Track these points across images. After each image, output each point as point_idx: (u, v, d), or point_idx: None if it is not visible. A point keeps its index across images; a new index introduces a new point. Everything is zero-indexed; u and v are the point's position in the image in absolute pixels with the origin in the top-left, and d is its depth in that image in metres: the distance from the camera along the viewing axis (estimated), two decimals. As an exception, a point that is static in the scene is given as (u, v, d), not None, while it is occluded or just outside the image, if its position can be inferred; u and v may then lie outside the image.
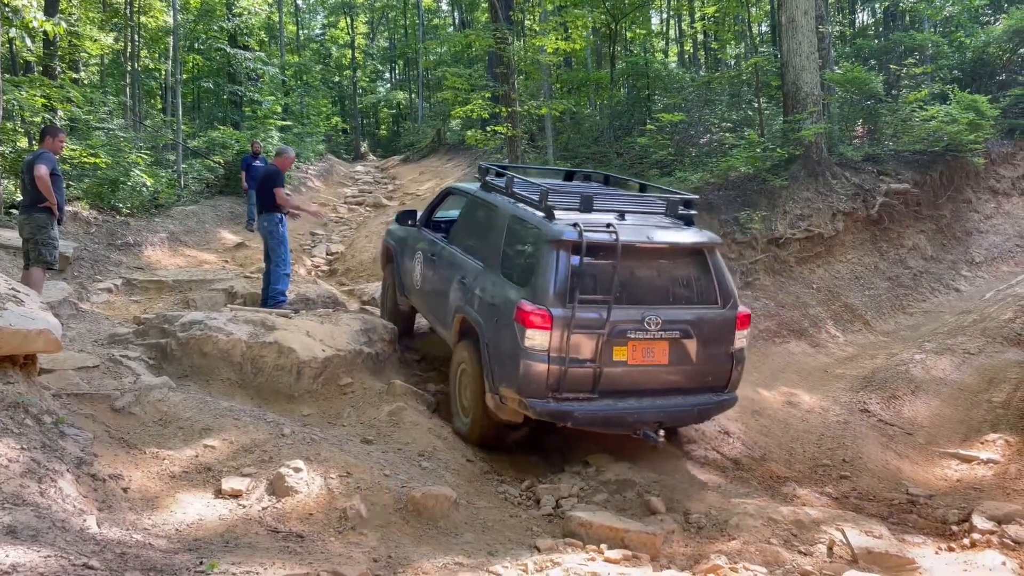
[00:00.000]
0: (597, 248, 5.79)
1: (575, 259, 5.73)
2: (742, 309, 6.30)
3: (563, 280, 5.70)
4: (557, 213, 6.04)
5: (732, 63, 26.00)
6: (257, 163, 15.27)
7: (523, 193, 6.59)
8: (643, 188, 7.59)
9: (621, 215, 6.26)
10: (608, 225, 5.93)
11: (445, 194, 8.58)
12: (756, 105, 15.88)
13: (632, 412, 5.91)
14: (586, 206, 6.14)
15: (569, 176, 8.70)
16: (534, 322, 5.61)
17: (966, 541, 5.24)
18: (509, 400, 5.90)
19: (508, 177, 6.90)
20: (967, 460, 7.56)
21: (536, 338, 5.62)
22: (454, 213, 8.09)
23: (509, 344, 5.81)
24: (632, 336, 5.82)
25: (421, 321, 9.09)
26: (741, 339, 6.27)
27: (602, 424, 6.00)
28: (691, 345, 6.02)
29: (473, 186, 7.87)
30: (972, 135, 13.87)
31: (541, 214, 6.12)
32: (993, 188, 15.43)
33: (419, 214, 8.68)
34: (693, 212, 6.62)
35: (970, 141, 13.91)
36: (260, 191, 9.51)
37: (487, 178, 7.44)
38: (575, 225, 5.80)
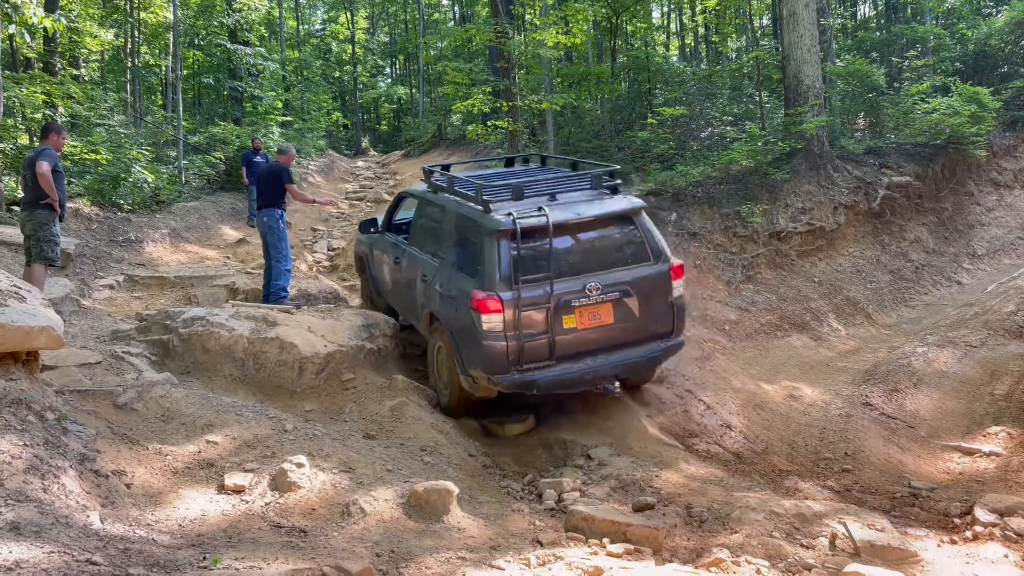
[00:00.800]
0: (532, 231, 6.35)
1: (514, 245, 6.29)
2: (675, 261, 6.90)
3: (507, 265, 6.27)
4: (493, 205, 6.56)
5: (733, 56, 25.96)
6: (258, 159, 15.24)
7: (463, 190, 7.15)
8: (575, 166, 8.01)
9: (552, 196, 6.82)
10: (539, 209, 6.48)
11: (400, 198, 9.14)
12: (757, 98, 15.84)
13: (589, 371, 6.48)
14: (517, 195, 6.71)
15: (510, 162, 9.08)
16: (488, 307, 6.18)
17: (968, 534, 5.24)
18: (479, 380, 6.46)
19: (448, 177, 7.55)
20: (969, 453, 7.56)
21: (492, 321, 6.19)
22: (411, 214, 8.48)
23: (470, 330, 6.35)
24: (577, 304, 6.38)
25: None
26: (678, 288, 6.88)
27: (564, 386, 6.54)
28: (632, 302, 6.59)
29: (423, 188, 8.33)
30: (974, 127, 13.83)
31: (480, 207, 6.62)
32: (995, 180, 15.39)
33: (380, 220, 9.06)
34: (618, 181, 7.18)
35: (972, 133, 13.87)
36: (262, 187, 9.52)
37: (432, 179, 7.94)
38: (509, 214, 6.36)
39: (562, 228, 6.48)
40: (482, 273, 6.34)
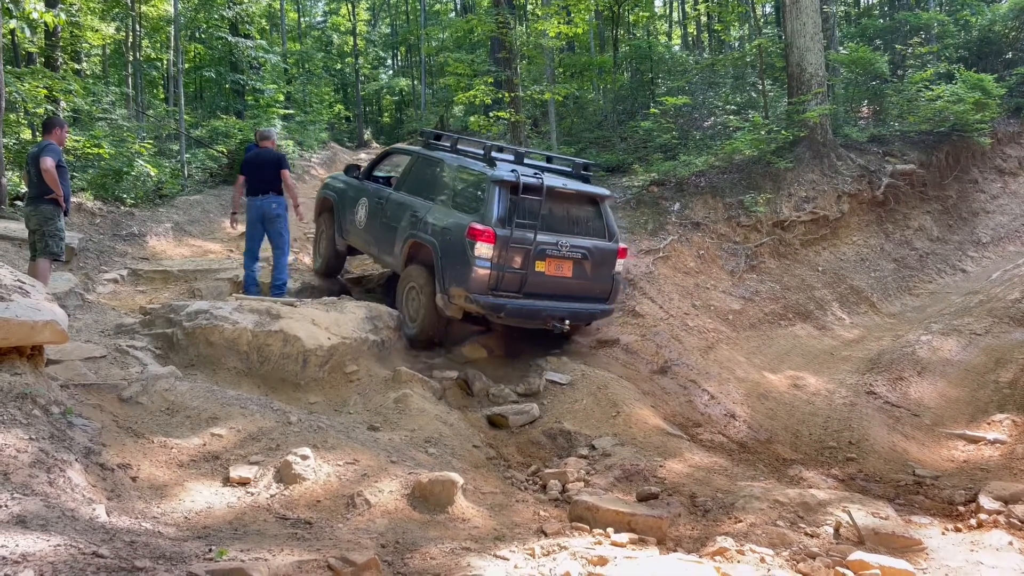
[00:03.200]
0: (528, 188, 7.73)
1: (512, 195, 7.68)
2: (622, 245, 8.40)
3: (504, 209, 7.65)
4: (498, 164, 8.02)
5: (736, 45, 25.85)
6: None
7: (467, 149, 8.79)
8: (550, 159, 9.39)
9: (542, 170, 8.33)
10: (536, 173, 7.99)
11: (387, 153, 10.73)
12: (760, 87, 15.78)
13: (545, 310, 7.87)
14: (519, 159, 8.35)
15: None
16: (482, 238, 7.51)
17: (973, 521, 5.24)
18: (456, 298, 7.71)
19: (453, 139, 9.11)
20: (974, 441, 7.56)
21: (483, 250, 7.52)
22: (384, 173, 10.18)
23: (460, 254, 7.65)
24: (549, 253, 7.81)
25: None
26: (619, 266, 8.34)
27: (524, 316, 7.88)
28: (588, 265, 8.05)
29: (415, 147, 9.86)
30: (978, 114, 13.77)
31: (484, 163, 8.08)
32: (1000, 168, 15.35)
33: (362, 168, 10.44)
34: (591, 173, 8.92)
35: (976, 121, 13.81)
36: (267, 174, 9.41)
37: (428, 140, 9.58)
38: (513, 170, 7.85)
39: (551, 192, 7.89)
40: (482, 212, 7.68)
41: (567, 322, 7.93)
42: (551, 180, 8.01)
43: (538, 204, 7.73)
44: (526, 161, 8.49)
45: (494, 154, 8.24)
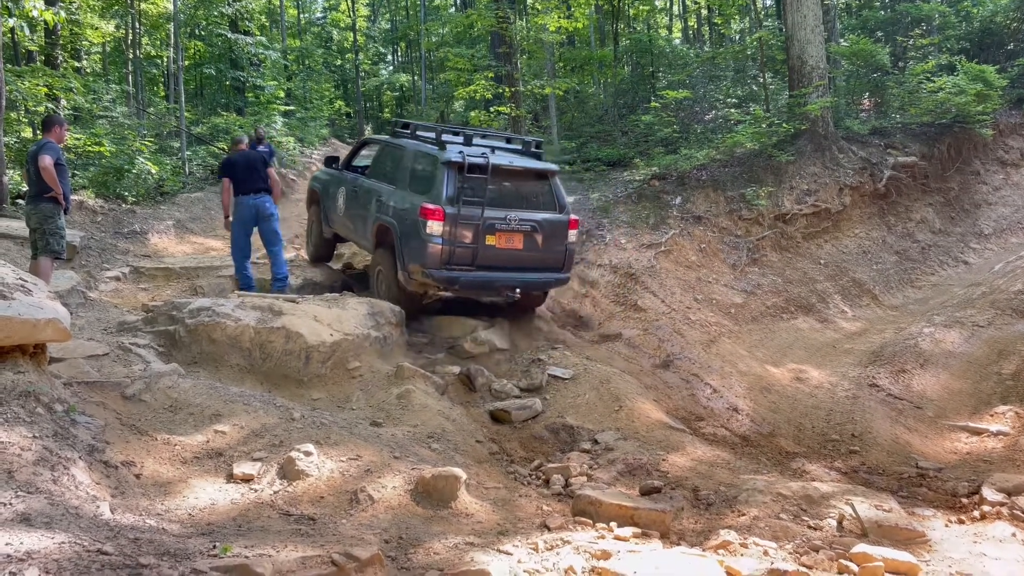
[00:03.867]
0: (475, 168, 8.13)
1: (459, 175, 8.06)
2: (573, 216, 8.78)
3: (452, 189, 8.06)
4: (448, 146, 8.40)
5: (736, 38, 25.79)
6: (262, 148, 15.24)
7: (423, 135, 9.28)
8: (509, 140, 9.65)
9: (492, 149, 8.69)
10: (483, 154, 8.30)
11: (362, 143, 11.28)
12: (761, 80, 15.76)
13: (498, 280, 8.31)
14: (467, 141, 8.66)
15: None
16: (433, 216, 7.96)
17: (976, 513, 5.24)
18: (415, 274, 8.17)
19: (413, 126, 9.67)
20: (977, 433, 7.55)
21: (434, 227, 7.97)
22: (361, 162, 10.61)
23: (415, 233, 8.12)
24: (499, 228, 8.20)
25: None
26: (572, 237, 8.73)
27: (477, 287, 8.37)
28: (539, 237, 8.42)
29: (384, 136, 10.54)
30: (980, 106, 13.74)
31: (436, 147, 8.47)
32: (1002, 159, 15.31)
33: (341, 159, 10.98)
34: (541, 151, 9.32)
35: (978, 112, 13.78)
36: (257, 172, 9.47)
37: (395, 129, 10.05)
38: (460, 152, 8.19)
39: (498, 170, 8.27)
40: (432, 192, 8.13)
41: (518, 291, 8.37)
42: (498, 158, 8.38)
43: (484, 182, 8.10)
44: (479, 142, 8.83)
45: (444, 137, 8.63)
